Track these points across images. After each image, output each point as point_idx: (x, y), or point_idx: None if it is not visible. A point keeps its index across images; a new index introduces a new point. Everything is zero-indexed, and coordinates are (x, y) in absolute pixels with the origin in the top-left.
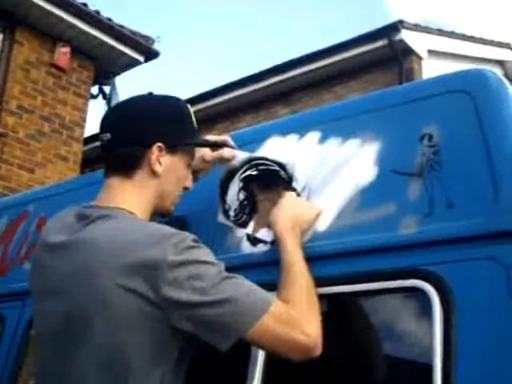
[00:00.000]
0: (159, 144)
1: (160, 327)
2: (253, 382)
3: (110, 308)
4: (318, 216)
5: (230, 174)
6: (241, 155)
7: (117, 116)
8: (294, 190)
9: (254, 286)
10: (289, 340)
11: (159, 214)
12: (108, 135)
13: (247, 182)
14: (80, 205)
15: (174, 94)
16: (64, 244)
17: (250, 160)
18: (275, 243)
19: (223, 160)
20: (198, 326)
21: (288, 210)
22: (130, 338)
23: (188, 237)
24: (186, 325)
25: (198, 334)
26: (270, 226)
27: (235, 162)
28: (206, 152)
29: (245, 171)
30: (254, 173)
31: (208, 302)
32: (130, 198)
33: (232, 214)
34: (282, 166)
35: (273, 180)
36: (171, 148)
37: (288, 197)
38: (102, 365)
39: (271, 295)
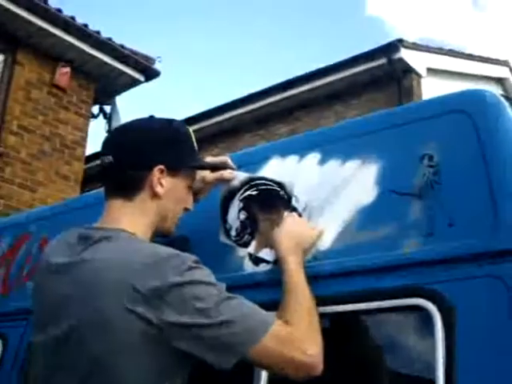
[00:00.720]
0: (160, 166)
1: (161, 349)
2: None
3: (111, 329)
4: (319, 236)
5: (230, 195)
6: (240, 176)
7: (118, 139)
8: (294, 209)
9: (256, 307)
10: (290, 360)
11: (160, 235)
12: (110, 157)
13: (247, 202)
14: (82, 226)
15: (174, 113)
16: (66, 265)
17: (250, 180)
18: (277, 263)
19: (223, 181)
20: (200, 347)
21: (290, 230)
22: (130, 360)
23: (189, 258)
24: (187, 346)
25: (199, 354)
26: (272, 245)
27: (235, 183)
28: (206, 173)
29: (245, 191)
30: (254, 193)
31: (210, 324)
32: (132, 219)
33: (233, 233)
34: (280, 185)
35: (272, 199)
36: (172, 170)
37: (290, 217)
38: None
39: (272, 316)
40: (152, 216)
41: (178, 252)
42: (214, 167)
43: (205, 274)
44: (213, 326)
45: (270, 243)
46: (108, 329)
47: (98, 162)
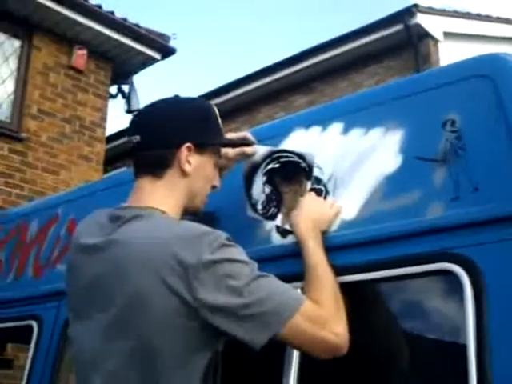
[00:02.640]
0: (188, 144)
1: (193, 326)
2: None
3: (146, 306)
4: (337, 214)
5: (253, 169)
6: (261, 149)
7: (145, 118)
8: (318, 180)
9: (286, 285)
10: (319, 339)
11: (188, 213)
12: (137, 137)
13: (271, 175)
14: (112, 207)
15: (192, 89)
16: (99, 245)
17: (271, 153)
18: (298, 244)
19: (245, 156)
20: (232, 324)
21: (308, 211)
22: (164, 336)
23: (221, 236)
24: (220, 324)
25: (231, 332)
26: (291, 229)
27: (257, 157)
28: (228, 150)
29: (267, 165)
30: (276, 166)
31: (242, 303)
32: (162, 198)
33: (260, 207)
34: (301, 156)
35: (295, 171)
36: (199, 148)
37: (307, 197)
38: (135, 362)
39: (302, 295)
40: (181, 194)
41: (210, 229)
42: (239, 144)
43: (237, 251)
44: (245, 305)
45: (289, 223)
46: (144, 305)
47: (118, 142)
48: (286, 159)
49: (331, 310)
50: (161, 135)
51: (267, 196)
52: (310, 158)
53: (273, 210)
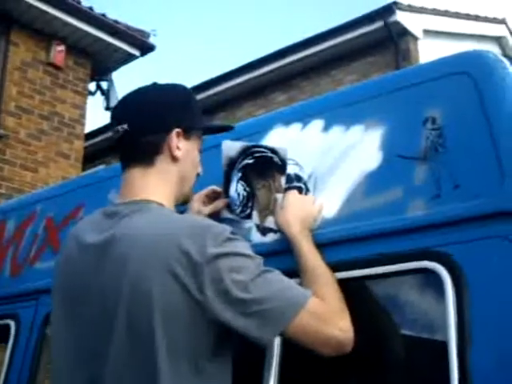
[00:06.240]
0: (177, 129)
1: (201, 323)
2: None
3: (152, 300)
4: (320, 210)
5: (230, 166)
6: (237, 145)
7: (131, 105)
8: (299, 177)
9: (291, 281)
10: (325, 335)
11: (179, 202)
12: (124, 126)
13: (245, 171)
14: (90, 204)
15: None
16: (100, 243)
17: (246, 149)
18: (290, 244)
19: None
20: (239, 321)
21: (295, 211)
22: (168, 332)
23: (226, 229)
24: (226, 319)
25: (238, 329)
26: (279, 227)
27: (233, 153)
28: (203, 208)
29: (242, 160)
30: (251, 161)
31: (248, 298)
32: (155, 186)
33: (235, 207)
34: (274, 151)
35: (268, 166)
36: (186, 133)
37: (290, 195)
38: (138, 363)
39: (308, 291)
40: (174, 181)
41: (215, 223)
42: (221, 130)
43: (242, 245)
44: (251, 300)
45: (276, 223)
46: (149, 299)
47: (97, 139)
48: (260, 154)
49: (336, 307)
50: (150, 121)
51: (242, 194)
52: (283, 152)
53: (248, 209)
